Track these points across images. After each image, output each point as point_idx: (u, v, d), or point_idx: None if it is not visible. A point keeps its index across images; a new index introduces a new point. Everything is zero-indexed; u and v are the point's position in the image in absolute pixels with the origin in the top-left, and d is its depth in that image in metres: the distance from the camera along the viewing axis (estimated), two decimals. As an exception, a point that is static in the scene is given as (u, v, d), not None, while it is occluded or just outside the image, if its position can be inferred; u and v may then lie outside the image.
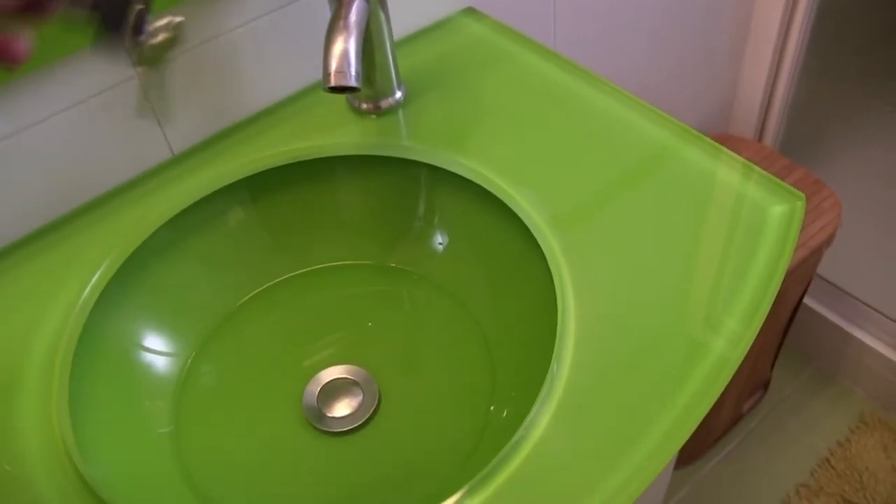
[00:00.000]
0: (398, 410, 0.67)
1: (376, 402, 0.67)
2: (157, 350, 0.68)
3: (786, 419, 1.56)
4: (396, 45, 0.85)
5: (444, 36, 0.86)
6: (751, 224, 0.64)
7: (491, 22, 0.87)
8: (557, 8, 1.03)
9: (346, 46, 0.62)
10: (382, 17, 0.72)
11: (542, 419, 0.54)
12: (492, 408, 0.64)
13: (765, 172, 0.68)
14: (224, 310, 0.73)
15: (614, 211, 0.66)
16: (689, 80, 1.40)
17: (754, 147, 1.39)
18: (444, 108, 0.78)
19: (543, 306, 0.62)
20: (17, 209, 0.69)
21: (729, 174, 0.68)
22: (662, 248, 0.63)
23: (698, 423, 0.53)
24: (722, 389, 0.55)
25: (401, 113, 0.78)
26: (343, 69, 0.62)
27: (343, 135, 0.76)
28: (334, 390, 0.67)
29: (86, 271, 0.65)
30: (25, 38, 0.40)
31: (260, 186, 0.73)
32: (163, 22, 0.40)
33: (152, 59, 0.40)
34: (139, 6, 0.40)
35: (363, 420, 0.66)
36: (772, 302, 0.59)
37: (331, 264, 0.76)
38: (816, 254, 1.23)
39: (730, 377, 0.55)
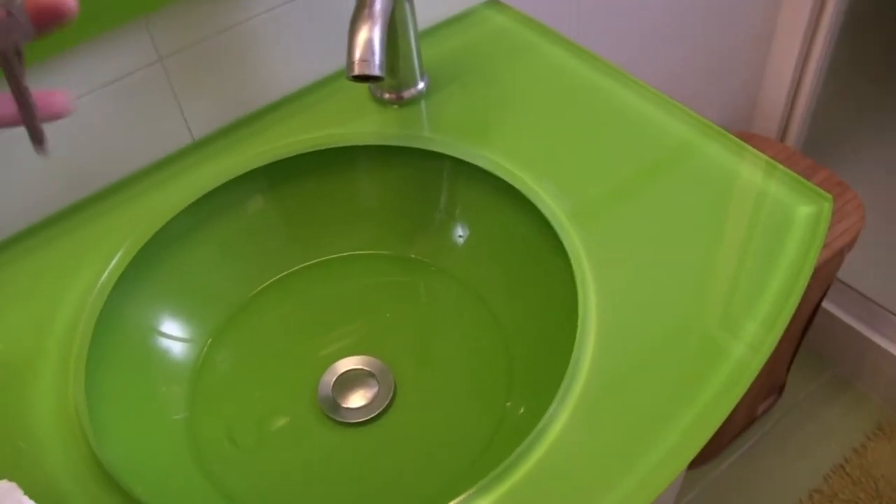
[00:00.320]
0: (414, 403, 0.66)
1: (392, 394, 0.66)
2: (174, 336, 0.68)
3: (801, 423, 1.54)
4: (420, 36, 0.84)
5: (468, 27, 0.86)
6: (775, 225, 0.63)
7: (514, 13, 0.87)
8: (581, 0, 1.02)
9: (370, 35, 0.62)
10: (407, 6, 0.71)
11: (561, 416, 0.53)
12: (508, 404, 0.64)
13: (790, 172, 0.67)
14: (241, 297, 0.73)
15: (635, 206, 0.66)
16: (713, 77, 1.39)
17: (776, 147, 1.38)
18: (467, 100, 0.77)
19: (562, 302, 0.62)
20: (37, 193, 0.69)
21: (753, 172, 0.67)
22: (683, 246, 0.63)
23: (716, 427, 0.53)
24: (742, 394, 0.54)
25: (423, 103, 0.77)
26: (367, 58, 0.61)
27: (364, 124, 0.75)
28: (350, 381, 0.67)
29: (104, 255, 0.65)
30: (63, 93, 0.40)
31: (279, 175, 0.73)
32: None
33: None
34: None
35: (378, 411, 0.65)
36: (795, 307, 0.58)
37: (349, 254, 0.76)
38: (838, 256, 1.22)
39: (750, 382, 0.55)
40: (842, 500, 1.42)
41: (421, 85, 0.78)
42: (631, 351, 0.57)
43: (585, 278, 0.61)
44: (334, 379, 0.67)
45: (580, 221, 0.65)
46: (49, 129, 0.65)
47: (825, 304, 1.53)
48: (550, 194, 0.67)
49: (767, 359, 0.56)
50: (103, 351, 0.61)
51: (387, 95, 0.77)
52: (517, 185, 0.67)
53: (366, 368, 0.68)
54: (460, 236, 0.74)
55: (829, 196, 0.65)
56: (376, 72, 0.61)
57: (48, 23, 0.38)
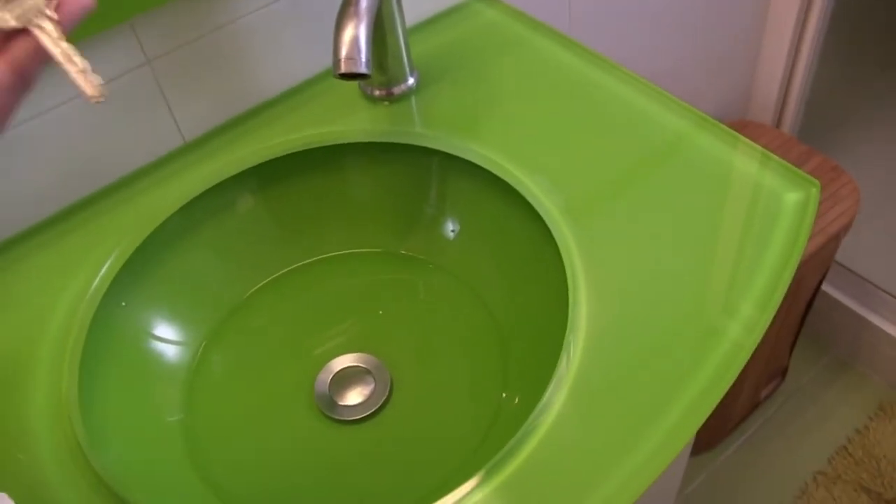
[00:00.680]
0: (410, 398, 0.66)
1: (388, 391, 0.66)
2: (168, 339, 0.68)
3: (803, 407, 1.54)
4: (409, 31, 0.84)
5: (458, 21, 0.86)
6: (766, 211, 0.64)
7: (505, 7, 0.86)
8: (572, -7, 1.02)
9: (356, 33, 0.62)
10: (394, 2, 0.71)
11: (555, 404, 0.54)
12: (504, 395, 0.64)
13: (780, 160, 0.67)
14: (235, 298, 0.73)
15: (628, 199, 0.66)
16: (707, 67, 1.39)
17: (772, 133, 1.38)
18: (457, 95, 0.77)
19: (556, 294, 0.62)
20: (28, 197, 0.69)
21: (745, 161, 0.68)
22: (676, 236, 0.63)
23: (713, 408, 0.53)
24: (737, 375, 0.55)
25: (413, 99, 0.77)
26: (353, 56, 0.61)
27: (354, 121, 0.75)
28: (346, 379, 0.67)
29: (97, 260, 0.65)
30: None
31: (271, 174, 0.73)
32: None
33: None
34: None
35: (375, 408, 0.65)
36: (787, 288, 0.59)
37: (342, 252, 0.76)
38: (834, 240, 1.22)
39: (745, 363, 0.55)
40: (845, 480, 1.42)
41: (411, 81, 0.78)
42: (624, 338, 0.57)
43: (576, 271, 0.61)
44: (330, 377, 0.67)
45: (572, 215, 0.65)
46: (38, 134, 0.65)
47: (824, 288, 1.53)
48: (542, 188, 0.67)
49: (765, 340, 0.56)
50: (97, 357, 0.61)
51: (377, 92, 0.77)
52: (508, 180, 0.67)
53: (362, 365, 0.68)
54: (452, 231, 0.74)
55: (817, 182, 0.65)
56: (363, 69, 0.61)
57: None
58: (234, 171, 0.71)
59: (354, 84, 0.79)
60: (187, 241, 0.70)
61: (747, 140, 0.69)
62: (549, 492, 0.50)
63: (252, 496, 0.61)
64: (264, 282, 0.74)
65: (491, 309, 0.70)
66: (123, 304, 0.65)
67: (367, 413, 0.65)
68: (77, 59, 0.40)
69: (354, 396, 0.66)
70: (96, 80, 0.40)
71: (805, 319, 1.41)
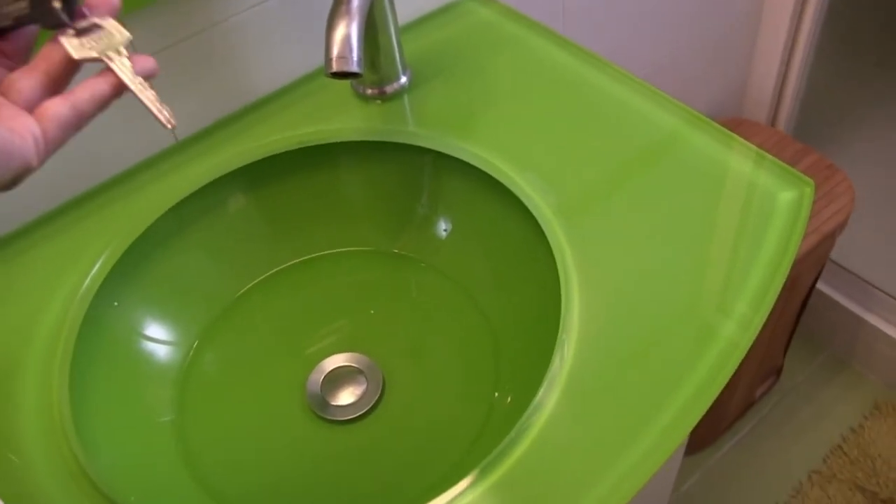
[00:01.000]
0: (403, 398, 0.66)
1: (380, 390, 0.66)
2: (160, 339, 0.68)
3: (798, 405, 1.54)
4: (402, 30, 0.84)
5: (451, 20, 0.85)
6: (760, 210, 0.63)
7: (498, 6, 0.86)
8: (566, -9, 1.02)
9: (348, 31, 0.61)
10: (386, 0, 0.71)
11: (548, 404, 0.54)
12: (496, 394, 0.64)
13: (774, 158, 0.67)
14: (227, 298, 0.73)
15: (621, 198, 0.66)
16: (701, 65, 1.38)
17: (767, 131, 1.38)
18: (450, 94, 0.77)
19: (548, 293, 0.62)
20: (18, 196, 0.68)
21: (738, 160, 0.67)
22: (670, 235, 0.63)
23: (708, 406, 0.53)
24: (732, 373, 0.55)
25: (406, 98, 0.77)
26: (345, 54, 0.61)
27: (347, 120, 0.75)
28: (338, 378, 0.67)
29: (88, 260, 0.65)
30: None
31: (262, 174, 0.73)
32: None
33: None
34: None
35: (367, 408, 0.65)
36: (781, 286, 0.59)
37: (334, 251, 0.76)
38: (829, 239, 1.22)
39: (739, 361, 0.55)
40: (840, 479, 1.42)
41: (403, 79, 0.78)
42: (617, 337, 0.57)
43: (568, 270, 0.61)
44: (323, 377, 0.67)
45: (565, 214, 0.65)
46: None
47: (819, 286, 1.53)
48: (535, 187, 0.67)
49: (760, 339, 0.56)
50: (88, 358, 0.61)
51: (369, 91, 0.77)
52: (501, 179, 0.67)
53: (354, 365, 0.68)
54: (444, 230, 0.74)
55: (811, 181, 0.65)
56: (354, 68, 0.61)
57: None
58: (225, 170, 0.71)
59: (346, 83, 0.79)
60: (179, 240, 0.70)
61: (741, 139, 0.69)
62: (543, 492, 0.50)
63: (243, 496, 0.61)
64: (256, 281, 0.74)
65: (483, 308, 0.70)
66: (116, 303, 0.65)
67: (360, 413, 0.65)
68: (149, 91, 0.43)
69: (346, 396, 0.66)
70: (167, 109, 0.44)
71: (800, 318, 1.41)
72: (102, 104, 0.42)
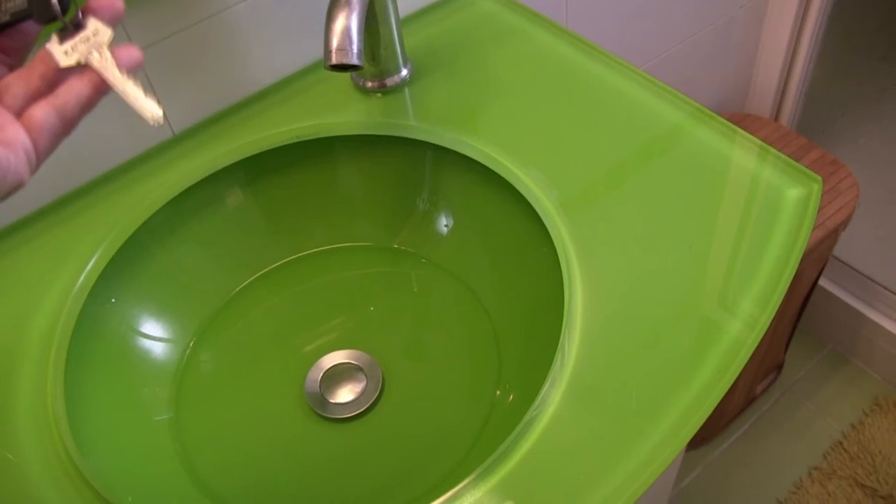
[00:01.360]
0: (402, 396, 0.66)
1: (380, 388, 0.66)
2: (156, 336, 0.67)
3: (799, 401, 1.54)
4: (403, 22, 0.83)
5: (453, 12, 0.84)
6: (766, 207, 0.63)
7: (500, -3, 0.85)
8: (569, -17, 1.01)
9: (347, 23, 0.61)
10: (387, -8, 0.70)
11: (551, 402, 0.53)
12: (498, 392, 0.63)
13: (781, 154, 0.66)
14: (224, 294, 0.72)
15: (626, 193, 0.65)
16: (705, 59, 1.38)
17: (770, 126, 1.37)
18: (452, 87, 0.76)
19: (551, 289, 0.61)
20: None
21: (743, 155, 0.67)
22: (674, 232, 0.62)
23: (714, 406, 0.53)
24: (738, 373, 0.54)
25: (407, 91, 0.76)
26: (344, 46, 0.60)
27: (347, 114, 0.74)
28: (337, 376, 0.66)
29: (83, 255, 0.64)
30: None
31: (261, 168, 0.72)
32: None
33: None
34: None
35: (367, 406, 0.65)
36: (788, 285, 0.58)
37: (333, 247, 0.75)
38: (832, 235, 1.21)
39: (746, 360, 0.55)
40: (840, 476, 1.42)
41: (404, 72, 0.77)
42: (621, 334, 0.56)
43: (571, 266, 0.60)
44: (321, 374, 0.66)
45: (568, 209, 0.64)
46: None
47: (821, 282, 1.52)
48: (537, 182, 0.66)
49: (764, 337, 0.55)
50: (83, 355, 0.60)
51: (369, 84, 0.76)
52: (502, 173, 0.66)
53: (353, 362, 0.67)
54: (445, 226, 0.73)
55: (820, 178, 0.64)
56: (354, 60, 0.60)
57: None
58: (223, 164, 0.70)
59: (346, 75, 0.78)
60: (176, 235, 0.69)
61: (747, 134, 0.68)
62: (546, 493, 0.50)
63: (240, 496, 0.60)
64: (254, 277, 0.73)
65: (484, 304, 0.69)
66: (112, 300, 0.64)
67: (359, 411, 0.64)
68: (133, 87, 0.42)
69: (346, 394, 0.65)
70: (154, 102, 0.43)
71: (802, 314, 1.40)
72: (88, 107, 0.42)
